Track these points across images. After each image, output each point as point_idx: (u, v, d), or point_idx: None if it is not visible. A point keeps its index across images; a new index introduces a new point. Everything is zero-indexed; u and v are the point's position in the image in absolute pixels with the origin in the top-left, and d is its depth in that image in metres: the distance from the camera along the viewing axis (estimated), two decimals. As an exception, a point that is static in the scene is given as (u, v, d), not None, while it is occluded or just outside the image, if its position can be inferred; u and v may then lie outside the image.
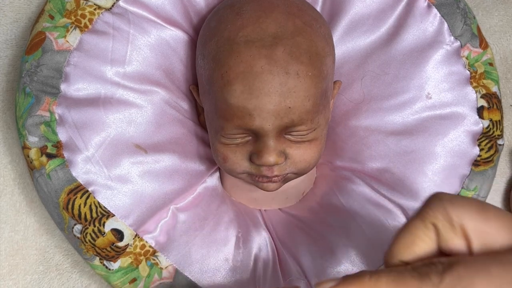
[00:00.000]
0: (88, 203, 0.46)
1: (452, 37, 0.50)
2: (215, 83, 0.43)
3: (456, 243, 0.26)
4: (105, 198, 0.46)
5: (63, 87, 0.46)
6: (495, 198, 0.57)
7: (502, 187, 0.58)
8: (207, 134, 0.50)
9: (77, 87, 0.47)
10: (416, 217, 0.27)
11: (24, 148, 0.46)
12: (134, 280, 0.47)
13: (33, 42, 0.47)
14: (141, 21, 0.49)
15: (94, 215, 0.46)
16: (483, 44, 0.51)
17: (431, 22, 0.50)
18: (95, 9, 0.47)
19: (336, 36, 0.51)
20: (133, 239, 0.47)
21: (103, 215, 0.46)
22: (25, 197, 0.53)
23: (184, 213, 0.49)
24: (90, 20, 0.47)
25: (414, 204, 0.49)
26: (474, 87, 0.51)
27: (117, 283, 0.47)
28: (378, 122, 0.51)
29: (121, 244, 0.46)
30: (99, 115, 0.47)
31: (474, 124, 0.50)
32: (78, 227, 0.46)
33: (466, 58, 0.51)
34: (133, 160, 0.47)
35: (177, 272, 0.47)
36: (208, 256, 0.48)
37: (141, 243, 0.47)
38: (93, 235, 0.46)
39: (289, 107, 0.42)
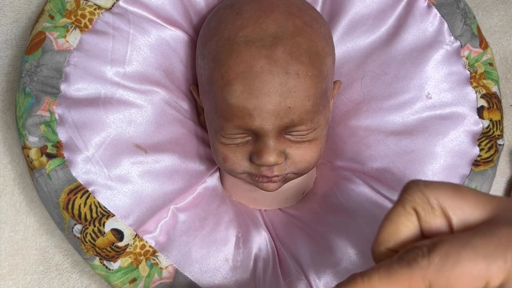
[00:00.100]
0: (88, 203, 0.46)
1: (452, 37, 0.50)
2: (215, 83, 0.43)
3: (437, 222, 0.27)
4: (105, 198, 0.46)
5: (63, 87, 0.46)
6: (495, 198, 0.57)
7: (502, 187, 0.58)
8: (207, 134, 0.50)
9: (77, 87, 0.47)
10: (397, 204, 0.28)
11: (24, 148, 0.46)
12: (134, 280, 0.47)
13: (33, 42, 0.47)
14: (141, 21, 0.49)
15: (94, 215, 0.46)
16: (483, 44, 0.52)
17: (431, 22, 0.50)
18: (95, 9, 0.47)
19: (336, 36, 0.51)
20: (133, 239, 0.47)
21: (103, 215, 0.46)
22: (25, 197, 0.53)
23: (184, 213, 0.49)
24: (90, 20, 0.47)
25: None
26: (474, 87, 0.51)
27: (117, 283, 0.47)
28: (378, 122, 0.51)
29: (121, 244, 0.46)
30: (99, 115, 0.47)
31: (474, 124, 0.50)
32: (78, 227, 0.46)
33: (466, 58, 0.51)
34: (133, 160, 0.47)
35: (177, 272, 0.47)
36: (208, 256, 0.48)
37: (141, 243, 0.47)
38: (93, 235, 0.46)
39: (289, 107, 0.42)
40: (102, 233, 0.46)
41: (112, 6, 0.48)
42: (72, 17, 0.47)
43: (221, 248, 0.49)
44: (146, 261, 0.47)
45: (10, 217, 0.52)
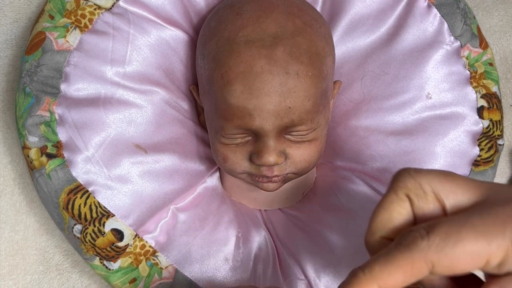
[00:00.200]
0: (88, 203, 0.46)
1: (452, 37, 0.50)
2: (215, 83, 0.43)
3: (430, 207, 0.27)
4: (105, 198, 0.46)
5: (63, 87, 0.46)
6: (495, 198, 0.57)
7: (502, 187, 0.58)
8: (207, 134, 0.50)
9: (77, 87, 0.47)
10: (389, 192, 0.28)
11: (24, 148, 0.46)
12: (134, 280, 0.47)
13: (33, 42, 0.47)
14: (141, 21, 0.49)
15: (94, 215, 0.46)
16: (483, 44, 0.52)
17: (431, 22, 0.50)
18: (95, 9, 0.47)
19: (336, 36, 0.51)
20: (133, 239, 0.47)
21: (103, 215, 0.46)
22: (25, 197, 0.53)
23: (184, 213, 0.49)
24: (90, 20, 0.47)
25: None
26: (474, 87, 0.51)
27: (117, 283, 0.47)
28: (378, 122, 0.51)
29: (121, 244, 0.46)
30: (99, 115, 0.47)
31: (474, 124, 0.50)
32: (78, 227, 0.46)
33: (466, 58, 0.51)
34: (133, 160, 0.47)
35: (177, 272, 0.47)
36: (208, 256, 0.48)
37: (141, 243, 0.47)
38: (93, 235, 0.46)
39: (289, 107, 0.42)
40: (102, 233, 0.46)
41: (112, 6, 0.48)
42: (72, 17, 0.47)
43: (221, 248, 0.49)
44: (146, 261, 0.47)
45: (10, 217, 0.52)
